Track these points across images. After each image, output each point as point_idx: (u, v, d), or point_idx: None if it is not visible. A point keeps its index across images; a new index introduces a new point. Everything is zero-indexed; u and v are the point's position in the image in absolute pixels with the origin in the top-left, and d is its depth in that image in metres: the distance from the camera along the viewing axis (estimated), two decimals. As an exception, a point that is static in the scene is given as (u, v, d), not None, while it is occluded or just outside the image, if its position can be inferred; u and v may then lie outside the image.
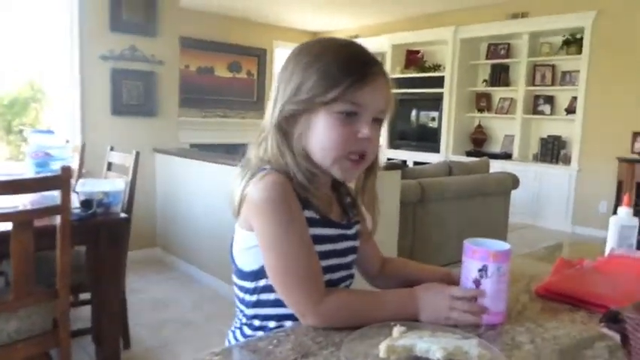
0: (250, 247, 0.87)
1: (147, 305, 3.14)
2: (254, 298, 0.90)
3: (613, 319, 0.75)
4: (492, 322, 0.83)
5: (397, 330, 0.71)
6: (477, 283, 0.82)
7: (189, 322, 2.92)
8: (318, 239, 0.86)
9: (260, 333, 0.89)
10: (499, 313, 0.83)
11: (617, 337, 0.74)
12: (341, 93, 0.82)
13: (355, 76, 0.82)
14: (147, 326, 2.83)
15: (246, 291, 0.91)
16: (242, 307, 0.94)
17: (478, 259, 0.82)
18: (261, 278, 0.87)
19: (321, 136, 0.84)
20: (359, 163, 0.87)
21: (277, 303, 0.86)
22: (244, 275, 0.91)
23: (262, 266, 0.85)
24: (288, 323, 0.86)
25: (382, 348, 0.66)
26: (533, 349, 0.74)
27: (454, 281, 0.91)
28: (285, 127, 0.86)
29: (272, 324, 0.88)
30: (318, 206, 0.87)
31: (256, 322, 0.91)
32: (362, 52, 0.89)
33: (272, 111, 0.87)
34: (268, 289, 0.87)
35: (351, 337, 0.72)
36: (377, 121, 0.88)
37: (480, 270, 0.81)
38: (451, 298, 0.81)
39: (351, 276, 1.00)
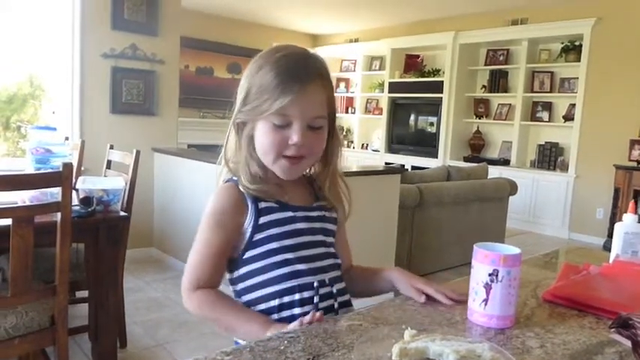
0: None
1: (143, 304, 3.12)
2: (241, 285, 0.99)
3: (624, 325, 0.75)
4: (502, 327, 0.83)
5: (408, 333, 0.71)
6: (488, 287, 0.82)
7: (185, 322, 2.91)
8: (280, 222, 0.97)
9: None
10: (508, 317, 0.83)
11: (627, 343, 0.74)
12: (272, 106, 0.90)
13: (284, 90, 0.90)
14: (143, 325, 2.82)
15: (234, 282, 1.00)
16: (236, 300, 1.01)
17: (489, 263, 0.82)
18: (241, 267, 0.97)
19: (260, 141, 0.95)
20: (298, 162, 0.95)
21: (262, 285, 0.96)
22: (228, 267, 1.00)
23: (239, 257, 0.97)
24: (274, 302, 0.95)
25: (395, 351, 0.66)
26: (544, 354, 0.74)
27: (398, 288, 1.01)
28: (240, 129, 0.98)
29: (263, 306, 0.96)
30: (271, 195, 0.97)
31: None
32: (296, 64, 0.94)
33: (233, 115, 0.99)
34: (250, 274, 0.97)
35: (362, 339, 0.72)
36: (314, 126, 0.95)
37: (490, 274, 0.81)
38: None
39: (332, 255, 1.03)
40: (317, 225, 1.02)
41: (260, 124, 0.94)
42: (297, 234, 0.98)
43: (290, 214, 0.98)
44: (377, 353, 0.68)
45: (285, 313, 0.94)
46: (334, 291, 1.00)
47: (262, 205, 0.96)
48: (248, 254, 0.96)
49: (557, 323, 0.87)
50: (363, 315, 0.87)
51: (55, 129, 2.36)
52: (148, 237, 4.13)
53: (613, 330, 0.76)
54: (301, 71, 0.93)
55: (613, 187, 5.25)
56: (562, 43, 5.96)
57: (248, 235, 0.95)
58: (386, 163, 7.20)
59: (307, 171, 1.06)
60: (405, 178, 3.80)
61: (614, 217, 5.12)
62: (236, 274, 0.99)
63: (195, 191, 3.65)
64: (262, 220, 0.95)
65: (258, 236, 0.95)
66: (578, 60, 5.73)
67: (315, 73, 0.95)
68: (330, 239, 1.04)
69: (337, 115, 1.07)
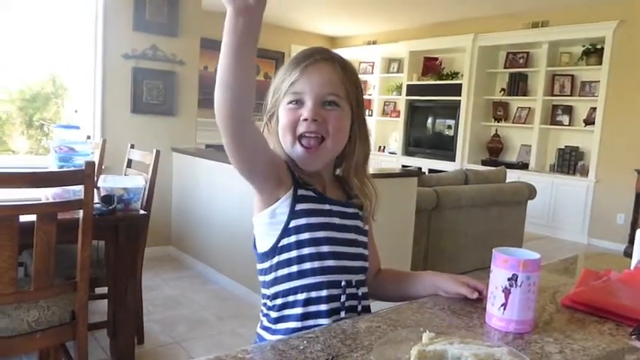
0: (261, 227, 0.98)
1: (160, 302, 3.16)
2: (272, 276, 0.98)
3: (645, 333, 0.74)
4: (520, 331, 0.82)
5: (427, 336, 0.71)
6: (507, 292, 0.82)
7: (202, 320, 2.94)
8: (317, 212, 0.97)
9: (287, 311, 0.96)
10: (527, 322, 0.83)
11: (649, 350, 0.73)
12: (286, 86, 0.95)
13: (295, 67, 0.95)
14: (160, 323, 2.86)
15: (265, 272, 0.99)
16: (264, 291, 1.01)
17: (508, 268, 0.82)
18: (274, 256, 0.97)
19: (280, 125, 0.98)
20: (315, 150, 0.96)
21: (291, 277, 0.96)
22: (262, 257, 1.00)
23: (273, 245, 0.96)
24: (302, 296, 0.94)
25: (413, 353, 0.66)
26: (563, 360, 0.74)
27: (444, 289, 1.00)
28: (270, 127, 1.02)
29: (291, 298, 0.96)
30: (312, 178, 0.99)
31: (279, 301, 0.97)
32: (310, 49, 1.00)
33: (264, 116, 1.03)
34: (282, 264, 0.96)
35: (380, 341, 0.72)
36: (330, 104, 0.96)
37: (509, 279, 0.81)
38: None
39: (363, 257, 1.03)
40: (351, 222, 1.02)
41: (280, 112, 0.98)
42: (332, 228, 0.98)
43: (327, 206, 0.99)
44: (395, 355, 0.68)
45: (312, 308, 0.95)
46: (359, 294, 1.00)
47: (301, 192, 0.96)
48: (283, 242, 0.95)
49: (577, 329, 0.86)
50: (381, 317, 0.87)
51: (78, 127, 2.40)
52: (166, 235, 4.18)
53: (634, 337, 0.76)
54: (313, 52, 0.97)
55: (634, 192, 5.17)
56: (583, 46, 5.89)
57: (284, 220, 0.95)
58: (403, 166, 7.18)
59: (338, 171, 1.07)
60: (422, 181, 3.79)
61: (636, 223, 5.04)
62: (269, 263, 0.98)
63: (213, 191, 3.68)
64: (299, 207, 0.95)
65: (294, 223, 0.95)
66: (600, 63, 5.65)
67: (328, 55, 0.98)
68: (363, 238, 1.04)
69: None
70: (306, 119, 0.94)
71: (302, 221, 0.95)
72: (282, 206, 0.95)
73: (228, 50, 0.77)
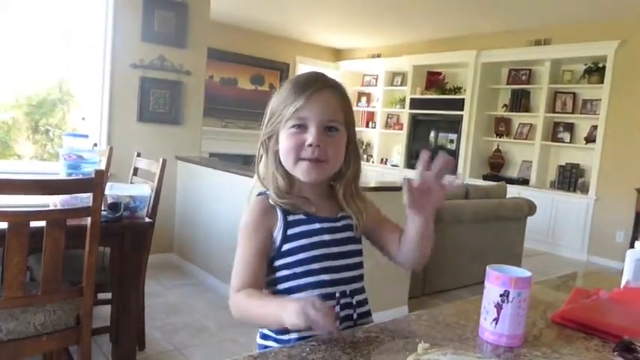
0: None
1: (162, 309, 3.20)
2: (270, 289, 1.06)
3: (626, 349, 0.79)
4: (510, 345, 0.87)
5: (421, 346, 0.75)
6: (499, 307, 0.86)
7: (203, 328, 2.97)
8: (307, 234, 1.03)
9: None
10: (517, 336, 0.88)
11: (630, 366, 0.78)
12: (290, 111, 1.00)
13: (298, 96, 1.00)
14: (161, 330, 2.89)
15: (267, 285, 1.06)
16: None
17: (500, 284, 0.86)
18: (270, 274, 1.04)
19: (282, 148, 1.03)
20: (317, 164, 1.01)
21: (287, 291, 1.03)
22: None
23: (269, 264, 1.04)
24: (296, 295, 1.00)
25: (408, 362, 0.70)
26: (550, 373, 0.78)
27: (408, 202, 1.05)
28: (267, 145, 1.07)
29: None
30: (299, 207, 1.05)
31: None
32: (309, 75, 1.07)
33: (260, 136, 1.09)
34: (278, 280, 1.04)
35: (378, 350, 0.77)
36: (330, 129, 1.02)
37: (501, 295, 0.86)
38: (309, 303, 0.83)
39: (357, 266, 1.08)
40: (344, 235, 1.08)
41: (282, 134, 1.03)
42: (323, 245, 1.04)
43: (317, 225, 1.05)
44: (391, 364, 0.73)
45: None
46: (354, 302, 1.05)
47: (291, 217, 1.04)
48: (277, 262, 1.03)
49: (564, 344, 0.90)
50: (380, 328, 0.92)
51: (87, 136, 2.46)
52: (169, 243, 4.22)
53: (616, 353, 0.80)
54: (313, 80, 1.04)
55: (634, 210, 5.20)
56: (585, 65, 5.95)
57: (277, 244, 1.03)
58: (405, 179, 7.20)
59: (338, 186, 1.11)
60: (422, 194, 3.82)
61: (635, 242, 5.07)
62: (269, 278, 1.06)
63: (216, 200, 3.72)
64: (290, 231, 1.03)
65: (287, 246, 1.02)
66: (601, 82, 5.71)
67: (328, 82, 1.04)
68: (358, 247, 1.10)
69: (358, 129, 1.13)
70: (310, 145, 1.00)
71: (293, 244, 1.02)
72: (276, 235, 1.03)
73: (255, 321, 0.98)
